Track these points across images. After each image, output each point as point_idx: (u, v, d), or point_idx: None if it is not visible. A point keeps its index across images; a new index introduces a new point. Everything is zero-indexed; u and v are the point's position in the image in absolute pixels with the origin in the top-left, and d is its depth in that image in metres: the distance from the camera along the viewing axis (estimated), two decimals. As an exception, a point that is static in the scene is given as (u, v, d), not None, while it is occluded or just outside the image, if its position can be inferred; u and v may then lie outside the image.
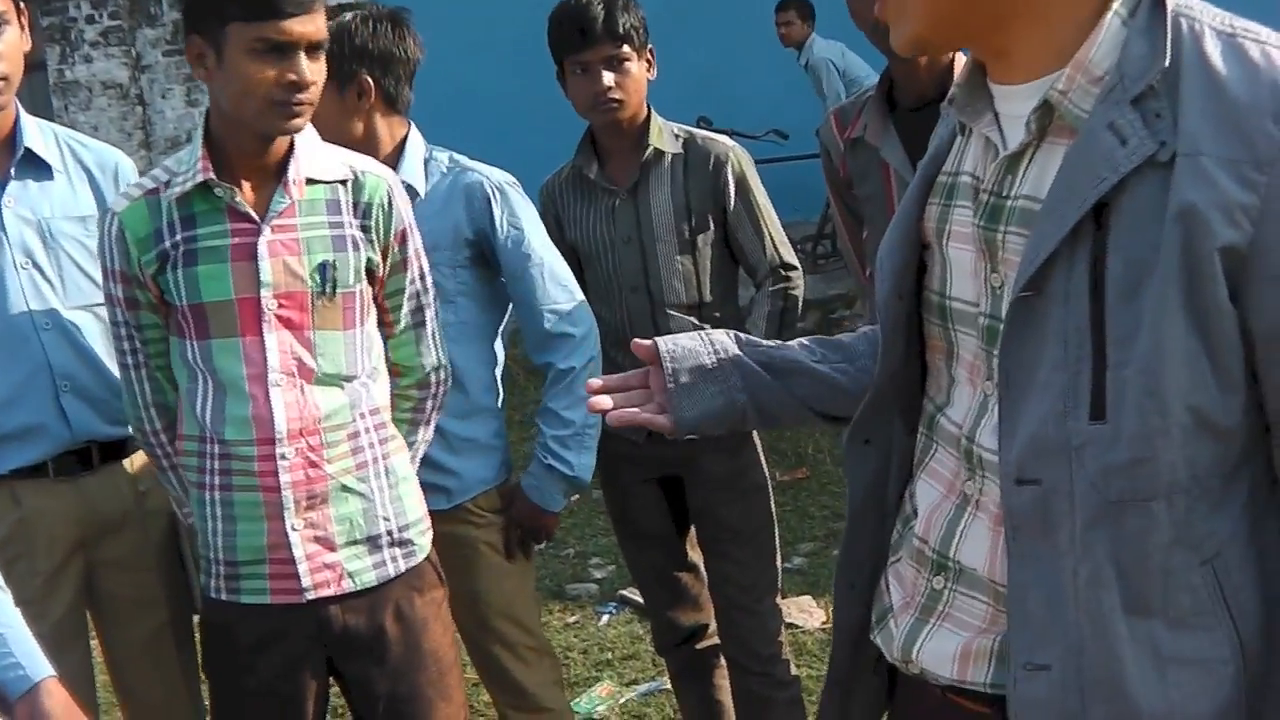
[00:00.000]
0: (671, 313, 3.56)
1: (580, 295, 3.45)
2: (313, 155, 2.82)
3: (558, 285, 3.41)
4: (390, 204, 2.88)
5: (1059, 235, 1.48)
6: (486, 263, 3.42)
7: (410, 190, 3.25)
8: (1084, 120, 1.50)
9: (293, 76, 2.63)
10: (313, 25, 2.66)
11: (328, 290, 2.77)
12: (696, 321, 3.54)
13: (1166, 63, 1.46)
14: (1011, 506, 1.56)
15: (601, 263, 3.59)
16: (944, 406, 1.75)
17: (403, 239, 2.92)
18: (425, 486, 3.13)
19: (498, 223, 3.37)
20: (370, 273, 2.86)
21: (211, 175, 2.72)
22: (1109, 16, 1.51)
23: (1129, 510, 1.49)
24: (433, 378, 3.07)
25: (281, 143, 2.77)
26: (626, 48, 3.46)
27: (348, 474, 2.81)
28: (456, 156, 3.45)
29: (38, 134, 3.12)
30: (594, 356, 3.42)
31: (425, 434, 3.11)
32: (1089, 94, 1.50)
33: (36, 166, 3.10)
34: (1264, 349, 1.46)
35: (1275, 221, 1.41)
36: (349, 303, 2.81)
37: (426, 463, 3.21)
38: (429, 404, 3.09)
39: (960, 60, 3.07)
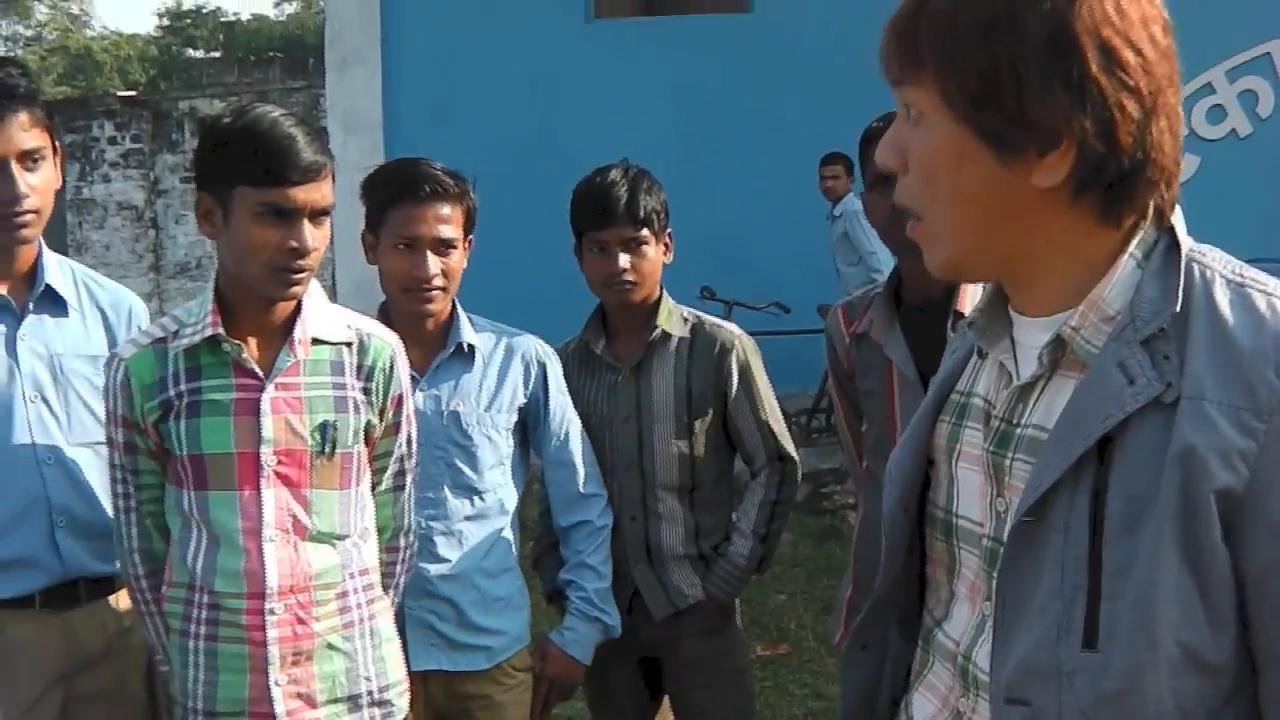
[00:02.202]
0: (661, 494, 3.61)
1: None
2: (319, 315, 2.89)
3: (589, 449, 3.58)
4: (392, 368, 2.95)
5: (1063, 466, 1.52)
6: (523, 428, 3.53)
7: (469, 351, 3.42)
8: (1095, 356, 1.55)
9: (294, 243, 2.70)
10: (318, 193, 2.73)
11: (327, 450, 2.82)
12: (688, 505, 3.60)
13: (1177, 308, 1.52)
14: None
15: (599, 438, 3.65)
16: (942, 621, 1.78)
17: (399, 403, 2.99)
18: (463, 647, 3.26)
19: (551, 388, 3.52)
20: (367, 434, 2.92)
21: (220, 330, 2.78)
22: (1124, 258, 1.57)
23: None
24: (403, 541, 3.13)
25: (288, 302, 2.83)
26: (645, 231, 3.54)
27: (334, 632, 2.83)
28: (491, 321, 3.57)
29: (58, 271, 3.19)
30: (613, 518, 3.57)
31: (394, 598, 3.14)
32: (1101, 332, 1.56)
33: (54, 302, 3.16)
34: (1254, 590, 1.47)
35: (1270, 468, 1.44)
36: (346, 463, 2.86)
37: (467, 625, 3.34)
38: (398, 567, 3.14)
39: None
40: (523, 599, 3.56)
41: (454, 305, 3.48)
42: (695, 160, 10.90)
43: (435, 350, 3.43)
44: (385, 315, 3.42)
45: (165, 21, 38.78)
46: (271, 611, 2.76)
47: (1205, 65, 11.11)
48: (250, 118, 2.72)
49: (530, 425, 3.54)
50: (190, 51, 37.82)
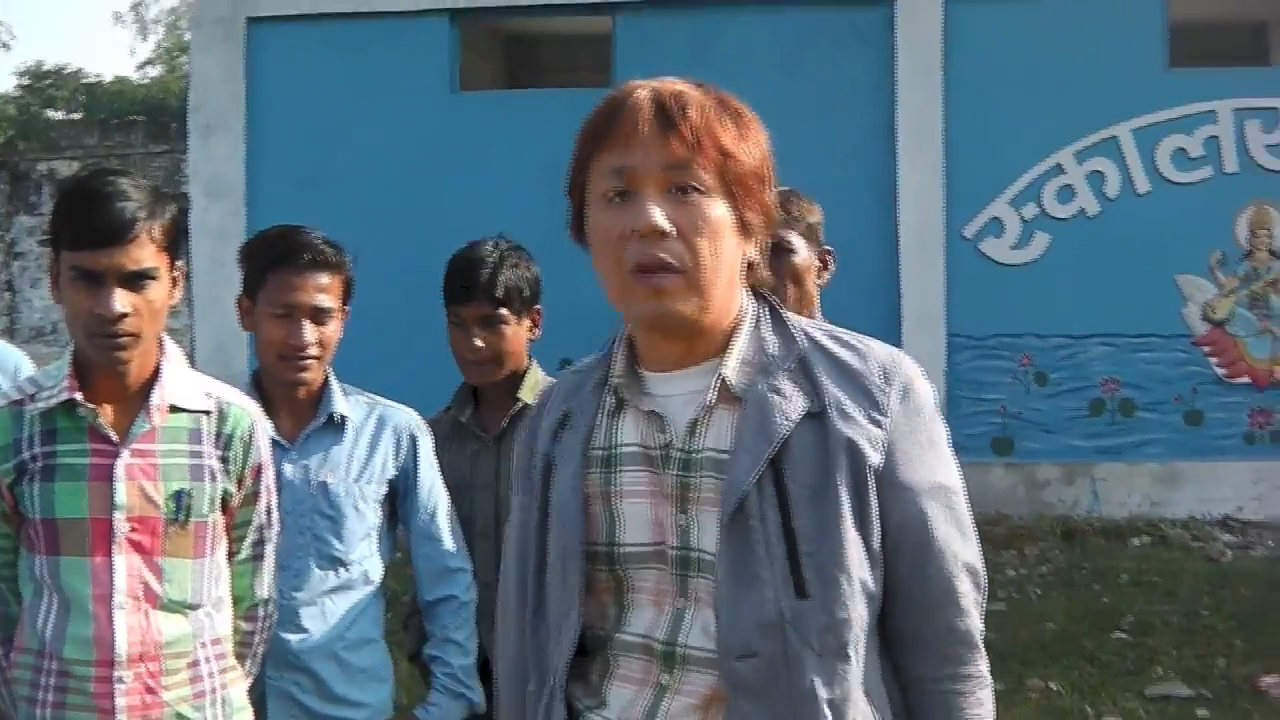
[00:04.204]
0: None
1: None
2: (178, 382, 2.87)
3: (457, 524, 3.59)
4: (251, 437, 2.94)
5: (753, 468, 1.98)
6: (391, 500, 3.54)
7: (340, 421, 3.43)
8: (747, 390, 2.03)
9: (99, 310, 2.68)
10: (126, 256, 2.69)
11: (181, 518, 2.80)
12: None
13: (799, 348, 2.07)
14: (734, 678, 1.97)
15: (459, 506, 3.67)
16: (617, 629, 2.11)
17: (258, 473, 2.97)
18: (324, 719, 3.27)
19: (421, 461, 3.53)
20: (224, 503, 2.90)
21: (77, 394, 2.76)
22: (745, 325, 2.09)
23: (835, 659, 1.98)
24: (261, 611, 3.10)
25: (144, 367, 2.82)
26: (505, 310, 3.60)
27: (184, 702, 2.80)
28: (363, 392, 3.58)
29: None
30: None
31: (251, 668, 3.11)
32: (746, 373, 2.05)
33: None
34: (893, 538, 2.04)
35: (897, 449, 2.03)
36: (201, 532, 2.84)
37: (328, 696, 3.33)
38: (256, 638, 3.11)
39: None
40: (386, 671, 3.56)
41: (327, 375, 3.49)
42: (561, 231, 10.94)
43: (306, 419, 3.43)
44: (257, 381, 3.42)
45: (25, 81, 38.19)
46: (120, 680, 2.73)
47: (1055, 147, 11.44)
48: (77, 180, 2.72)
49: (399, 498, 3.55)
50: (50, 112, 37.24)
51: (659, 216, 1.95)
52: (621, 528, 2.10)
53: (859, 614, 2.00)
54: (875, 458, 2.01)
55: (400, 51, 12.39)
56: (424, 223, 11.13)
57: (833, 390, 2.03)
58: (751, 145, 2.04)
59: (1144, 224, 11.39)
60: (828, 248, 3.59)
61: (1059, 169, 11.48)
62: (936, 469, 2.08)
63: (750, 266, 2.10)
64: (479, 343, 3.60)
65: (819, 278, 3.55)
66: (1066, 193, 11.49)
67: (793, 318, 2.14)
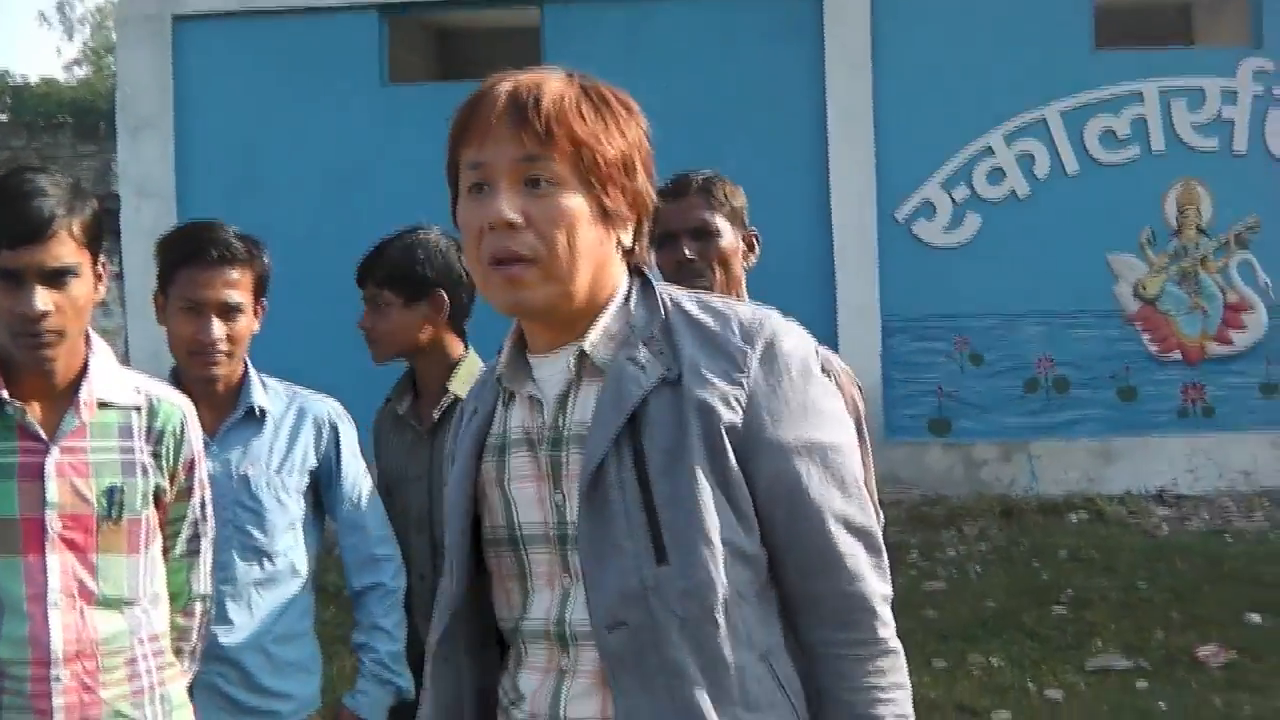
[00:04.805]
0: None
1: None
2: (107, 378, 2.84)
3: (382, 512, 3.60)
4: (183, 432, 2.92)
5: (608, 438, 2.01)
6: (315, 491, 3.54)
7: (260, 414, 3.44)
8: (609, 363, 2.06)
9: (21, 309, 2.66)
10: (45, 254, 2.67)
11: (114, 514, 2.77)
12: None
13: (660, 316, 2.10)
14: (607, 650, 1.99)
15: (396, 497, 3.67)
16: (523, 616, 2.13)
17: (191, 468, 2.96)
18: (250, 711, 3.25)
19: (344, 451, 3.54)
20: (157, 499, 2.88)
21: (4, 393, 2.73)
22: (614, 301, 2.11)
23: (700, 623, 1.97)
24: (198, 607, 3.08)
25: (71, 364, 2.79)
26: (387, 292, 3.71)
27: (123, 700, 2.77)
28: (284, 383, 3.58)
29: None
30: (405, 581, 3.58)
31: (189, 665, 3.09)
32: (609, 346, 2.08)
33: None
34: (765, 497, 2.04)
35: (759, 406, 2.02)
36: (134, 528, 2.81)
37: (255, 688, 3.32)
38: (194, 634, 3.09)
39: None
40: (315, 663, 3.55)
41: (246, 368, 3.48)
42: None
43: (226, 413, 3.43)
44: (176, 378, 3.41)
45: (-50, 85, 37.74)
46: (57, 679, 2.69)
47: (985, 129, 11.52)
48: None
49: (322, 488, 3.55)
50: (-24, 115, 36.83)
51: (508, 210, 1.99)
52: (514, 512, 2.13)
53: (723, 577, 1.98)
54: (730, 416, 2.00)
55: (329, 46, 12.35)
56: (355, 216, 11.08)
57: (691, 354, 2.04)
58: (615, 134, 2.06)
59: (1074, 204, 11.50)
60: (753, 230, 3.61)
61: (989, 151, 11.57)
62: (808, 427, 2.05)
63: (629, 250, 2.13)
64: (365, 323, 3.69)
65: (745, 260, 3.57)
66: (997, 174, 11.59)
67: (664, 289, 2.16)
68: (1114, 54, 11.77)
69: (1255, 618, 8.07)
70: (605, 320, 2.09)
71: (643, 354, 2.05)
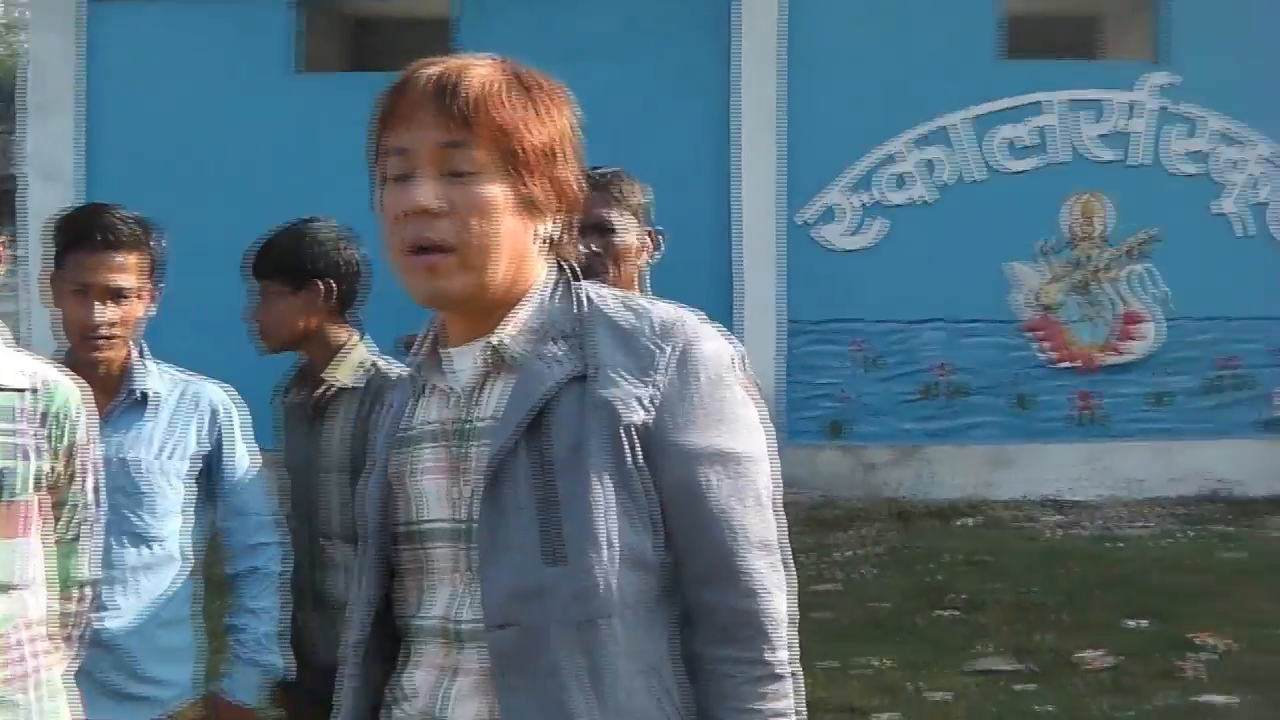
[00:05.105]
0: (326, 543, 3.66)
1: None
2: None
3: (266, 496, 3.63)
4: (73, 415, 2.89)
5: (511, 434, 1.96)
6: (201, 477, 3.55)
7: (147, 398, 3.44)
8: (523, 357, 2.02)
9: None
10: None
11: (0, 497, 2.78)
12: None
13: (577, 311, 2.04)
14: (495, 650, 1.95)
15: (291, 484, 3.70)
16: (418, 612, 2.09)
17: (80, 451, 2.92)
18: (130, 698, 3.25)
19: (231, 436, 3.56)
20: (45, 482, 2.85)
21: None
22: (534, 294, 2.07)
23: (588, 629, 1.93)
24: (82, 592, 3.04)
25: None
26: (266, 282, 3.73)
27: (3, 685, 2.75)
28: (175, 368, 3.59)
29: None
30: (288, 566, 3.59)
31: (71, 651, 3.06)
32: (524, 340, 2.03)
33: None
34: (669, 501, 1.98)
35: (670, 408, 1.96)
36: (19, 511, 2.78)
37: (135, 675, 3.33)
38: (77, 620, 3.05)
39: None
40: (197, 651, 3.56)
41: (135, 351, 3.48)
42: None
43: (114, 396, 3.42)
44: (69, 360, 3.40)
45: None
46: None
47: (891, 135, 11.65)
48: None
49: (210, 474, 3.55)
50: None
51: (425, 196, 1.95)
52: (420, 507, 2.09)
53: (617, 582, 1.93)
54: (636, 417, 1.95)
55: (241, 33, 12.26)
56: (263, 204, 10.99)
57: (603, 352, 1.99)
58: (543, 122, 2.02)
59: (976, 212, 11.66)
60: (658, 228, 3.63)
61: (894, 157, 11.70)
62: (718, 434, 1.99)
63: (553, 241, 2.09)
64: (252, 314, 3.71)
65: (650, 258, 3.59)
66: (901, 180, 11.71)
67: (586, 285, 2.11)
68: (1019, 64, 11.95)
69: (1139, 623, 8.24)
70: (521, 313, 2.05)
71: (555, 349, 2.00)
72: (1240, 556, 10.03)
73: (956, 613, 8.43)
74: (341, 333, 3.76)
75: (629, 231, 3.48)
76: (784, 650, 2.01)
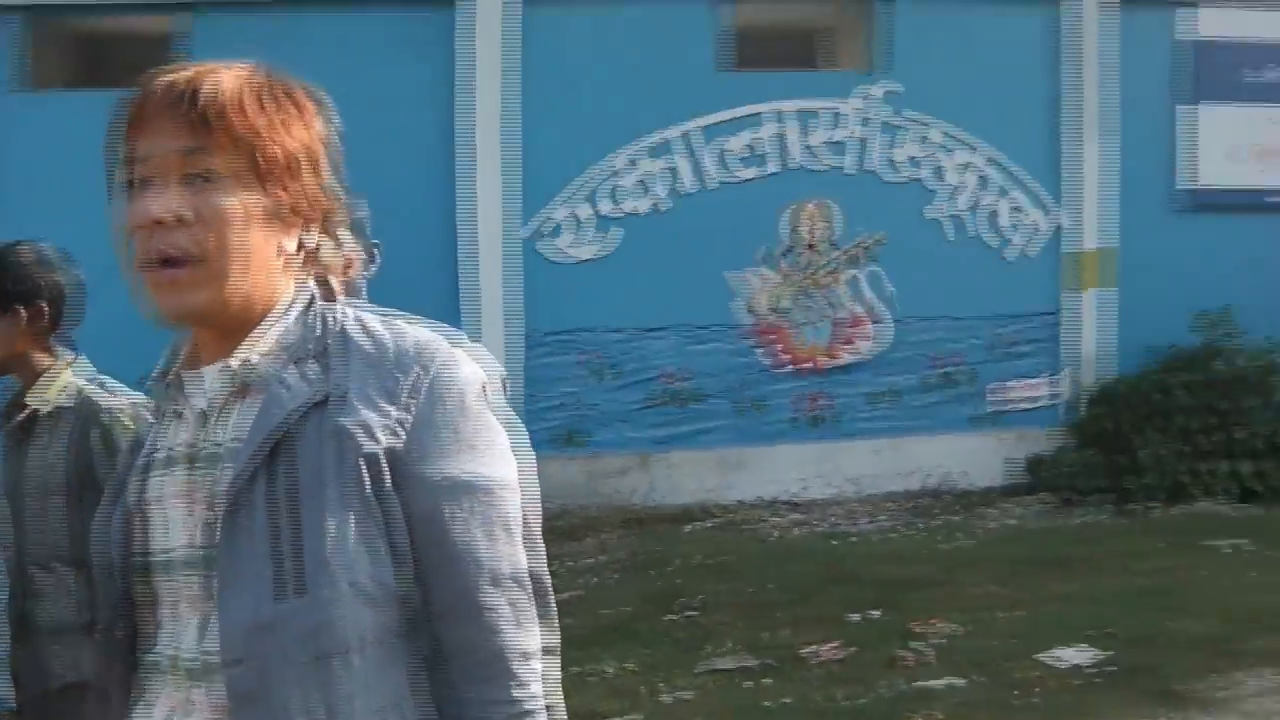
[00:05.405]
0: (37, 572, 3.55)
1: None
2: None
3: None
4: None
5: (251, 459, 1.86)
6: None
7: None
8: (267, 378, 1.92)
9: None
10: None
11: None
12: (85, 580, 3.55)
13: (319, 334, 1.96)
14: (232, 687, 1.84)
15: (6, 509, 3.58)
16: (153, 647, 1.99)
17: None
18: None
19: None
20: None
21: None
22: (283, 311, 1.99)
23: (324, 666, 1.83)
24: None
25: None
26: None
27: None
28: None
29: None
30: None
31: None
32: (271, 360, 1.94)
33: None
34: (418, 531, 1.88)
35: (419, 436, 1.88)
36: None
37: None
38: None
39: None
40: None
41: None
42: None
43: None
44: None
45: None
46: None
47: (618, 146, 11.75)
48: None
49: None
50: None
51: (164, 206, 1.85)
52: (161, 534, 1.99)
53: (356, 617, 1.83)
54: (377, 445, 1.85)
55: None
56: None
57: (351, 376, 1.90)
58: (290, 129, 1.94)
59: (701, 221, 11.83)
60: (375, 242, 3.62)
61: (621, 169, 11.79)
62: (466, 462, 1.91)
63: (308, 255, 2.02)
64: None
65: (366, 270, 3.58)
66: (628, 191, 11.81)
67: (341, 303, 2.03)
68: (741, 75, 12.16)
69: (867, 615, 8.48)
70: (267, 331, 1.95)
71: (300, 372, 1.91)
72: (962, 546, 10.40)
73: (692, 615, 8.54)
74: (45, 357, 3.66)
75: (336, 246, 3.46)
76: (535, 684, 1.95)
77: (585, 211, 11.70)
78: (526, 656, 1.94)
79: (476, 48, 11.60)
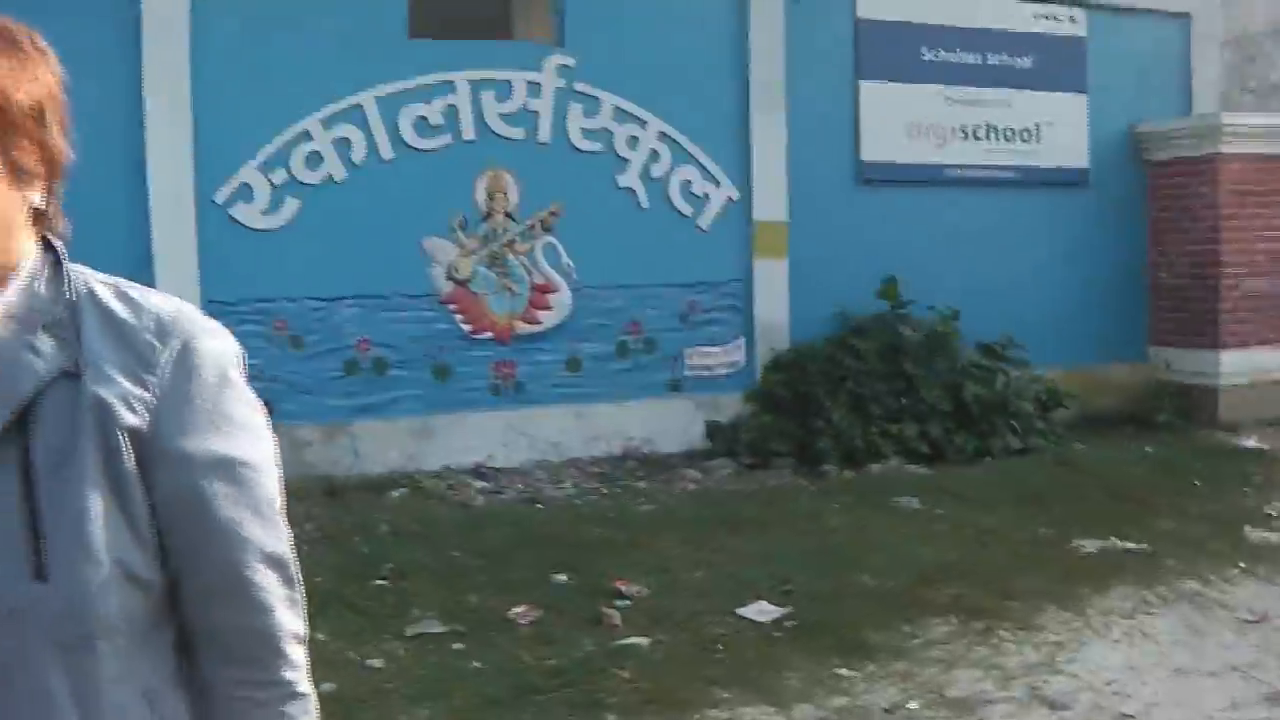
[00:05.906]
0: None
1: None
2: None
3: None
4: None
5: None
6: None
7: None
8: (5, 346, 1.77)
9: None
10: None
11: None
12: None
13: (69, 298, 1.85)
14: None
15: None
16: None
17: None
18: None
19: None
20: None
21: None
22: (21, 275, 1.84)
23: (75, 651, 1.73)
24: None
25: None
26: None
27: None
28: None
29: None
30: None
31: None
32: (8, 327, 1.78)
33: None
34: (164, 513, 1.81)
35: (165, 412, 1.81)
36: None
37: None
38: None
39: None
40: None
41: None
42: None
43: None
44: None
45: None
46: None
47: (303, 114, 11.58)
48: None
49: None
50: None
51: None
52: None
53: (107, 600, 1.74)
54: (132, 420, 1.78)
55: None
56: None
57: (97, 346, 1.81)
58: (27, 80, 1.82)
59: (390, 189, 11.78)
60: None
61: (307, 136, 11.62)
62: (220, 439, 1.85)
63: (40, 214, 1.89)
64: None
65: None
66: (315, 159, 11.65)
67: (78, 269, 1.91)
68: (428, 44, 12.12)
69: (560, 577, 8.65)
70: (7, 296, 1.80)
71: (42, 341, 1.78)
72: (652, 509, 10.66)
73: (388, 582, 8.56)
74: None
75: None
76: (301, 667, 1.92)
77: (271, 178, 11.50)
78: (295, 637, 1.92)
79: (159, 11, 11.22)
